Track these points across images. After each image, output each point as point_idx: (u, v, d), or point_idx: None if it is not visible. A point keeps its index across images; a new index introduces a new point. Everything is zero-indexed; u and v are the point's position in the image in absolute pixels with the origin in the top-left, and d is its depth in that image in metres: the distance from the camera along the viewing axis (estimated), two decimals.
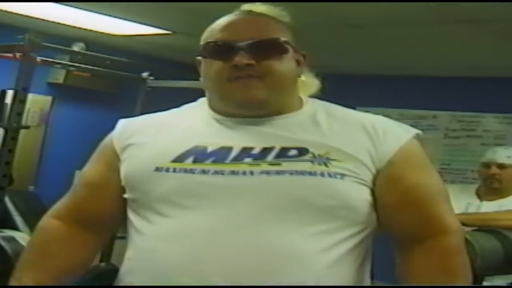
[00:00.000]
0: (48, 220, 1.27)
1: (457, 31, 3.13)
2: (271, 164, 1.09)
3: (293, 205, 1.08)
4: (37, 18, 3.93)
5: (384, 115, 1.20)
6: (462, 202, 2.84)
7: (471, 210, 2.82)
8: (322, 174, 1.08)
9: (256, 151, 1.12)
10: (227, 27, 1.17)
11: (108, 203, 1.22)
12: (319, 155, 1.10)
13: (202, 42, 1.19)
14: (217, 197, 1.09)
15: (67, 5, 3.49)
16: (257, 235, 1.06)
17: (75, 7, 3.52)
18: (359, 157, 1.10)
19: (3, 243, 2.42)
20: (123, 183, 1.19)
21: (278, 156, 1.10)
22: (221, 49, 1.14)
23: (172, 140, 1.19)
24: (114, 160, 1.22)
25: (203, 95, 1.26)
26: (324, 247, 1.08)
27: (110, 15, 3.64)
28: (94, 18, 3.75)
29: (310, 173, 1.08)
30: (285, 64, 1.16)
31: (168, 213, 1.12)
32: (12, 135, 2.63)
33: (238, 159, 1.11)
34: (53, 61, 3.22)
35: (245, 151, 1.12)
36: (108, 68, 3.41)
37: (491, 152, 3.00)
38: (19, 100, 2.68)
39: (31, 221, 3.04)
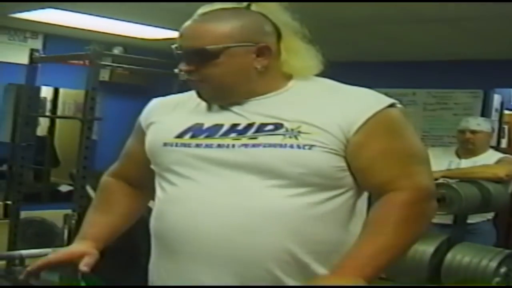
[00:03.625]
0: (105, 178, 1.45)
1: (428, 30, 3.59)
2: (250, 138, 1.17)
3: (267, 172, 1.15)
4: (83, 29, 4.25)
5: None
6: (445, 161, 3.35)
7: (453, 166, 3.31)
8: (291, 146, 1.14)
9: (241, 127, 1.19)
10: (179, 33, 1.22)
11: (142, 169, 1.33)
12: (292, 129, 1.15)
13: None
14: (207, 167, 1.18)
15: (108, 17, 3.82)
16: (239, 197, 1.15)
17: (116, 19, 3.87)
18: (328, 129, 1.15)
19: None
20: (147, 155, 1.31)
21: (256, 131, 1.17)
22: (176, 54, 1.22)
23: (179, 118, 1.26)
24: (142, 136, 1.34)
25: None
26: (299, 207, 1.14)
27: (142, 23, 3.99)
28: (128, 26, 4.08)
29: (281, 145, 1.14)
30: (223, 67, 1.17)
31: (173, 181, 1.22)
32: (88, 125, 3.11)
33: (225, 134, 1.19)
34: (108, 64, 3.68)
35: (233, 127, 1.19)
36: (146, 67, 3.85)
37: (464, 121, 3.47)
38: (91, 98, 3.11)
39: None
